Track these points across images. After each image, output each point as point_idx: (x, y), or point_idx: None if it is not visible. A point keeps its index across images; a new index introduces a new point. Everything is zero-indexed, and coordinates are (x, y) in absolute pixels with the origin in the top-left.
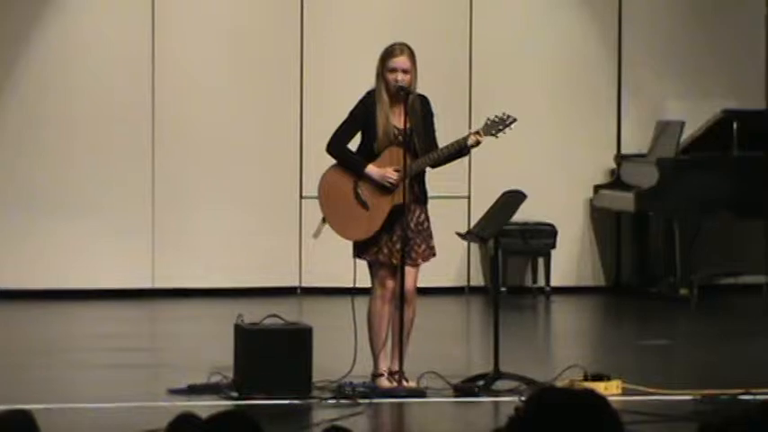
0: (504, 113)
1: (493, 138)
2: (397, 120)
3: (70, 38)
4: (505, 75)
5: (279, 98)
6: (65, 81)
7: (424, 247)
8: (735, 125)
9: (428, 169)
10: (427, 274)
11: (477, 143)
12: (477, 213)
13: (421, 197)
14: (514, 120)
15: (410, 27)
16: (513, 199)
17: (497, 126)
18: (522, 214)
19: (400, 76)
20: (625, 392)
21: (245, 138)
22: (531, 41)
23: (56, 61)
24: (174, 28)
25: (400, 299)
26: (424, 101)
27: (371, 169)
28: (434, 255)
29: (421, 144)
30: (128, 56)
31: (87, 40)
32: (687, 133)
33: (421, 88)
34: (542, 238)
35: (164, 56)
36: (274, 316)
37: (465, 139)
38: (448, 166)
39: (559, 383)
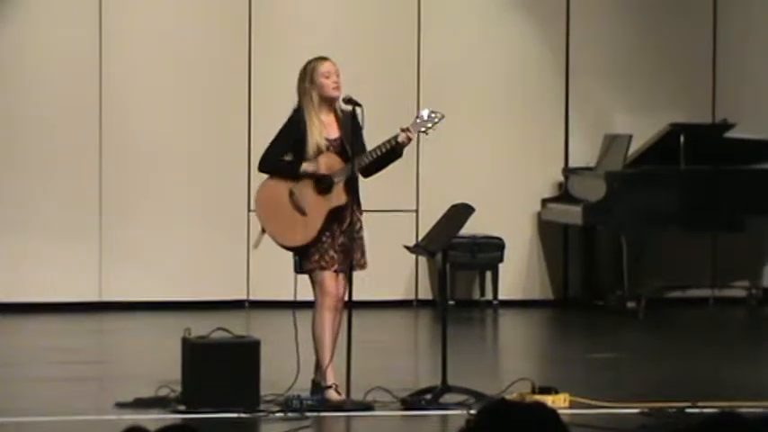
0: (432, 111)
1: (423, 135)
2: (328, 131)
3: (15, 48)
4: (453, 88)
5: (227, 111)
6: (9, 91)
7: (359, 255)
8: (682, 138)
9: (366, 182)
10: (375, 288)
11: (409, 139)
12: (425, 227)
13: (356, 208)
14: (442, 116)
15: (358, 40)
16: (460, 212)
17: (426, 123)
18: (470, 228)
19: (335, 78)
20: (572, 405)
21: (193, 151)
22: (479, 55)
23: (0, 73)
24: (121, 39)
25: (348, 308)
26: (353, 109)
27: (306, 165)
28: (365, 267)
29: (355, 153)
30: (74, 66)
31: (33, 50)
32: (634, 146)
33: (369, 99)
34: (490, 251)
35: (111, 67)
36: (222, 329)
37: (395, 137)
38: (395, 178)
39: (507, 397)
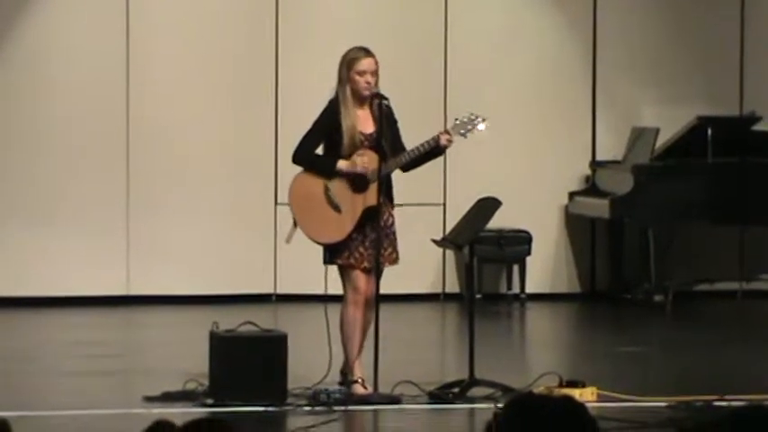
0: (472, 114)
1: (462, 138)
2: (363, 125)
3: (43, 43)
4: (481, 81)
5: (254, 105)
6: (39, 86)
7: (390, 250)
8: (709, 131)
9: (399, 176)
10: (402, 281)
11: (449, 142)
12: (453, 220)
13: (389, 202)
14: (484, 119)
15: (386, 37)
16: (488, 206)
17: (466, 126)
18: (498, 221)
19: (370, 78)
20: (600, 399)
21: (219, 144)
22: (507, 49)
23: (28, 67)
24: (148, 32)
25: (376, 302)
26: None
27: (342, 163)
28: (398, 261)
29: (388, 147)
30: (101, 59)
31: (60, 44)
32: (662, 140)
33: (396, 95)
34: (517, 244)
35: (138, 59)
36: (249, 323)
37: (435, 139)
38: (423, 172)
39: (535, 390)
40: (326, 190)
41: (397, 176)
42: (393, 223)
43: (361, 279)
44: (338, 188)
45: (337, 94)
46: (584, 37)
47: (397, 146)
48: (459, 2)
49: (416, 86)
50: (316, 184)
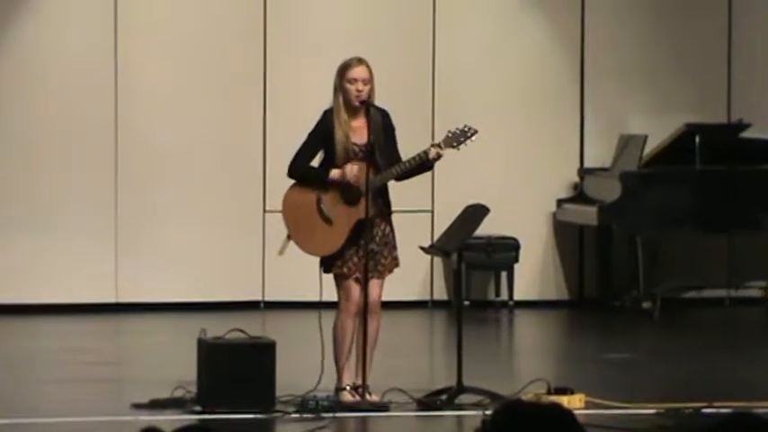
0: (465, 126)
1: (454, 150)
2: (357, 136)
3: (32, 50)
4: (468, 88)
5: (242, 113)
6: (26, 94)
7: (389, 258)
8: (697, 139)
9: (391, 182)
10: (391, 288)
11: (439, 156)
12: (441, 227)
13: (385, 210)
14: (475, 132)
15: (374, 43)
16: (476, 213)
17: (458, 138)
18: (486, 228)
19: (360, 86)
20: (588, 406)
21: (208, 152)
22: (494, 55)
23: (17, 74)
24: (136, 42)
25: (364, 312)
26: (384, 115)
27: (334, 173)
28: (398, 265)
29: (383, 159)
30: (90, 69)
31: (49, 49)
32: (650, 147)
33: (383, 103)
34: (505, 251)
35: (127, 70)
36: (238, 330)
37: (426, 152)
38: (411, 179)
39: (523, 397)
40: (319, 202)
41: (388, 183)
42: (390, 231)
43: (353, 288)
44: (330, 201)
45: (332, 103)
46: (572, 44)
47: (393, 156)
48: (448, 9)
49: (404, 93)
50: (308, 196)
